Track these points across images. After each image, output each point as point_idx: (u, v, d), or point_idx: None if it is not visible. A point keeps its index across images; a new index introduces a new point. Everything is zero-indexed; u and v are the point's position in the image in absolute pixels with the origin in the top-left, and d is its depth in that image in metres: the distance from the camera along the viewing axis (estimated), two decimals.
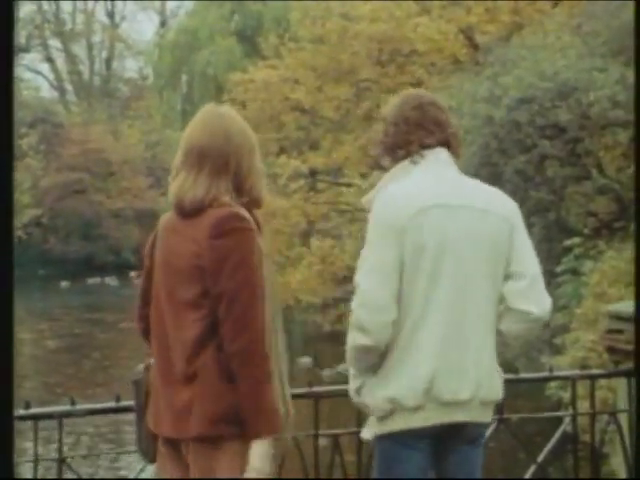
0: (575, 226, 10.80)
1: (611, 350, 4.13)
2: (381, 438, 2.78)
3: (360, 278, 2.75)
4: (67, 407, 3.17)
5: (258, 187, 2.67)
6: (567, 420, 3.80)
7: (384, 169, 2.95)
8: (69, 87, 48.30)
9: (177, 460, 2.59)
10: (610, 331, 4.12)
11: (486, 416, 2.84)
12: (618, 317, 4.10)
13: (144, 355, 2.85)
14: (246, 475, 2.50)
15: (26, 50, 47.65)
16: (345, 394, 2.95)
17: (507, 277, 2.82)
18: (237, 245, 2.52)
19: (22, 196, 36.59)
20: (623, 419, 3.81)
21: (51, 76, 48.18)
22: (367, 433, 2.84)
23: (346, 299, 9.83)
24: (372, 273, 2.72)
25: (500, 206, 2.88)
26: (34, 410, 3.11)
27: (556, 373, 4.11)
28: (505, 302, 2.82)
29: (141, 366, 2.76)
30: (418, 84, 15.91)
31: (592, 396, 3.78)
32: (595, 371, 4.16)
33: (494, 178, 10.86)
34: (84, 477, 2.90)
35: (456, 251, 2.75)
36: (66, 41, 46.90)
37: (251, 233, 2.55)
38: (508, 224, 2.84)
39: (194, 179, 2.62)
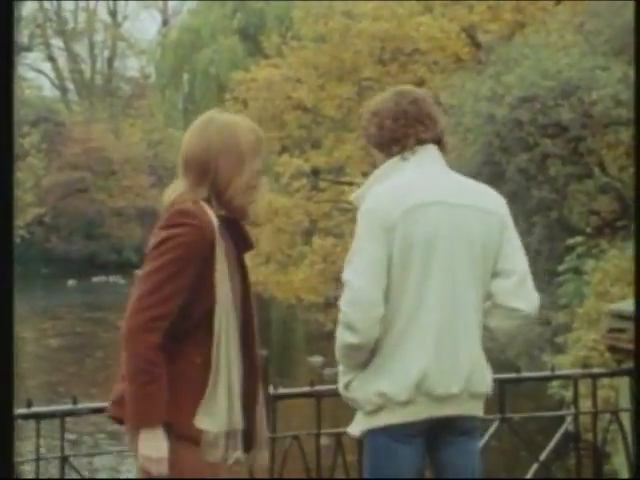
0: (577, 225, 10.79)
1: (613, 349, 4.13)
2: (371, 433, 2.78)
3: (351, 276, 2.73)
4: (69, 406, 3.17)
5: (239, 199, 2.62)
6: (569, 419, 3.80)
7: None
8: (71, 86, 48.31)
9: None
10: (612, 330, 4.12)
11: (477, 409, 2.85)
12: (620, 316, 4.10)
13: None
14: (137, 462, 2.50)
15: (28, 49, 47.66)
16: None
17: (496, 274, 2.84)
18: (168, 237, 2.51)
19: (24, 195, 36.64)
20: (625, 418, 3.81)
21: (53, 75, 48.20)
22: (355, 429, 2.84)
23: None
24: (364, 271, 2.72)
25: (491, 203, 2.89)
26: (36, 409, 3.11)
27: (558, 372, 4.11)
28: (493, 299, 2.83)
29: None
30: (420, 83, 15.90)
31: (594, 395, 3.78)
32: (597, 370, 4.16)
33: (496, 177, 10.86)
34: (86, 476, 2.90)
35: (447, 248, 2.77)
36: (68, 40, 46.90)
37: (191, 229, 2.51)
38: (499, 221, 2.87)
39: (178, 185, 2.65)
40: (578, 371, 3.95)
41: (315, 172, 17.53)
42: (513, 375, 3.72)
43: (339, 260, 15.85)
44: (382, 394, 2.74)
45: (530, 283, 2.86)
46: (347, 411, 2.93)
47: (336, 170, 17.70)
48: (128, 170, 38.42)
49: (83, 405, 3.23)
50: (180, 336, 2.52)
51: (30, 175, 36.26)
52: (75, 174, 36.06)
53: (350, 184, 16.16)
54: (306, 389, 3.40)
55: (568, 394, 6.82)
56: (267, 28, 24.61)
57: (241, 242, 2.68)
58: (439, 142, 2.92)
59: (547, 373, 4.00)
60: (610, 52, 10.86)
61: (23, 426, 2.82)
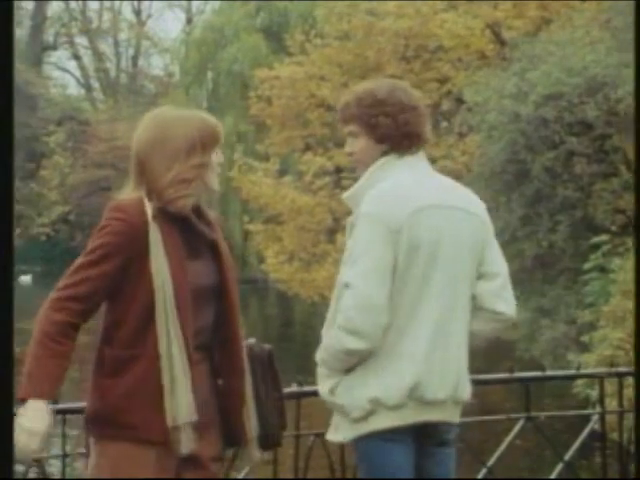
0: (602, 223, 10.72)
1: None
2: (362, 439, 2.72)
3: (355, 279, 2.65)
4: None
5: (169, 194, 2.59)
6: (595, 418, 3.77)
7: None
8: (96, 84, 48.60)
9: None
10: None
11: (456, 416, 2.83)
12: None
13: None
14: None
15: (54, 48, 47.99)
16: None
17: (479, 277, 2.81)
18: (97, 230, 2.58)
19: (50, 193, 36.90)
20: None
21: (78, 73, 48.51)
22: (337, 435, 2.77)
23: None
24: (370, 274, 2.65)
25: (476, 206, 2.87)
26: (62, 405, 3.11)
27: (583, 371, 4.08)
28: (477, 302, 2.80)
29: None
30: (444, 80, 15.87)
31: (620, 394, 3.75)
32: (623, 369, 4.12)
33: (521, 175, 10.81)
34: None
35: (446, 252, 2.74)
36: (93, 39, 47.18)
37: (117, 222, 2.55)
38: (483, 224, 2.85)
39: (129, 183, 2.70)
40: (604, 370, 3.92)
41: (338, 170, 17.51)
42: (538, 374, 3.70)
43: None
44: (374, 399, 2.68)
45: (510, 286, 2.86)
46: None
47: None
48: None
49: None
50: (132, 341, 2.55)
51: (55, 173, 36.49)
52: (100, 172, 36.28)
53: None
54: None
55: (594, 393, 6.79)
56: (291, 26, 24.61)
57: (199, 235, 2.65)
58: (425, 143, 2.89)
59: (572, 372, 3.97)
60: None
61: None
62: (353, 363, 2.70)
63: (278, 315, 25.96)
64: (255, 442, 2.67)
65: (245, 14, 29.93)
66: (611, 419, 3.83)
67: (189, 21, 44.85)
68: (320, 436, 3.30)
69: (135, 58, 47.80)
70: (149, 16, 48.22)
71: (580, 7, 13.90)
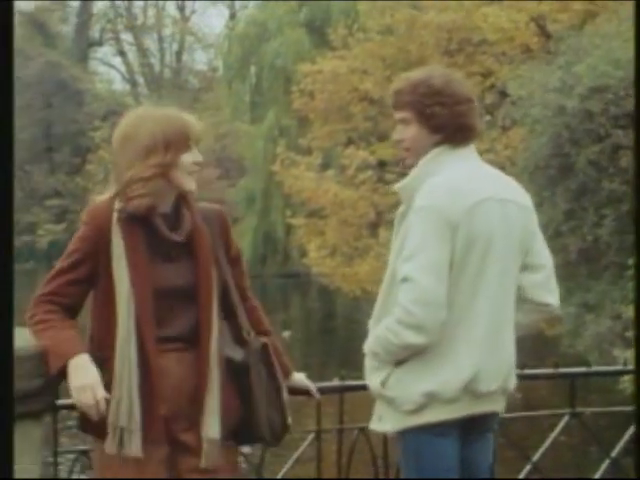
0: None
1: None
2: (410, 431, 2.72)
3: (416, 273, 2.63)
4: None
5: (129, 192, 2.61)
6: None
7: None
8: (140, 80, 49.02)
9: None
10: None
11: (503, 405, 2.86)
12: None
13: None
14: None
15: (99, 44, 48.50)
16: None
17: (524, 268, 2.81)
18: (75, 236, 2.66)
19: (95, 187, 37.27)
20: None
21: (123, 69, 48.96)
22: (383, 425, 2.77)
23: None
24: (429, 268, 2.63)
25: (525, 197, 2.88)
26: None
27: (630, 367, 4.03)
28: (522, 293, 2.81)
29: None
30: (488, 74, 15.75)
31: None
32: None
33: (565, 169, 10.71)
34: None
35: (499, 245, 2.74)
36: (138, 35, 47.58)
37: (84, 228, 2.64)
38: (531, 215, 2.86)
39: None
40: None
41: (381, 164, 17.48)
42: (583, 369, 3.66)
43: None
44: (429, 393, 2.68)
45: (554, 278, 2.86)
46: None
47: (402, 162, 17.61)
48: None
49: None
50: (104, 343, 2.60)
51: (100, 168, 36.85)
52: None
53: None
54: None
55: None
56: (333, 20, 24.57)
57: (163, 237, 2.64)
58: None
59: (618, 367, 3.93)
60: None
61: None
62: (404, 356, 2.70)
63: (320, 309, 25.99)
64: (214, 442, 2.62)
65: (288, 9, 29.96)
66: None
67: (232, 16, 45.00)
68: (364, 431, 3.30)
69: (179, 53, 48.12)
70: (193, 12, 48.50)
71: None
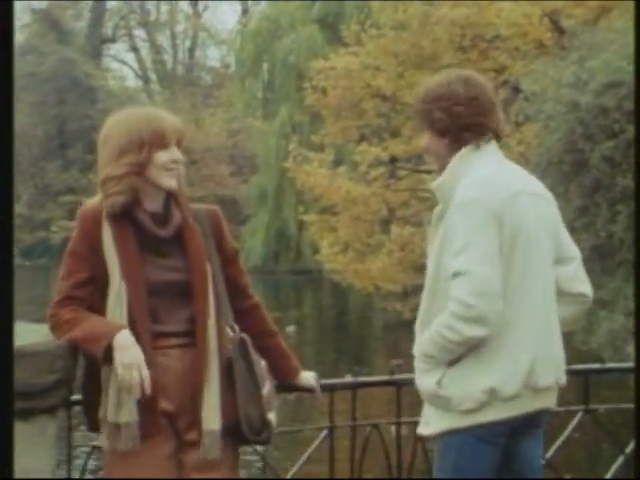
0: None
1: None
2: (457, 432, 2.69)
3: (470, 265, 2.61)
4: None
5: (102, 190, 2.68)
6: None
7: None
8: (153, 76, 49.11)
9: None
10: None
11: (555, 400, 2.86)
12: None
13: None
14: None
15: (112, 40, 48.61)
16: None
17: (556, 261, 2.83)
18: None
19: None
20: None
21: (136, 65, 49.05)
22: (433, 428, 2.74)
23: None
24: (483, 259, 2.62)
25: (548, 192, 2.93)
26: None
27: None
28: (557, 287, 2.82)
29: None
30: (501, 69, 15.71)
31: None
32: None
33: (579, 165, 10.67)
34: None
35: (539, 237, 2.76)
36: (150, 31, 47.67)
37: (77, 226, 2.69)
38: (556, 210, 2.91)
39: None
40: None
41: (393, 160, 17.47)
42: (597, 366, 3.66)
43: (417, 249, 15.77)
44: (490, 390, 2.66)
45: (583, 268, 2.90)
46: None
47: (414, 158, 17.61)
48: (208, 159, 38.88)
49: None
50: None
51: None
52: None
53: (429, 172, 16.06)
54: (385, 377, 3.38)
55: None
56: (346, 16, 24.57)
57: (150, 233, 2.67)
58: (496, 130, 2.87)
59: (632, 364, 3.91)
60: None
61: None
62: (459, 353, 2.68)
63: (332, 305, 25.99)
64: (214, 435, 2.63)
65: (301, 5, 29.96)
66: None
67: (245, 12, 45.03)
68: (376, 427, 3.31)
69: (192, 50, 48.17)
70: (206, 8, 48.55)
71: None
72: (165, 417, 2.61)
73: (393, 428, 3.46)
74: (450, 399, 2.68)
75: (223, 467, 2.67)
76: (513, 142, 13.89)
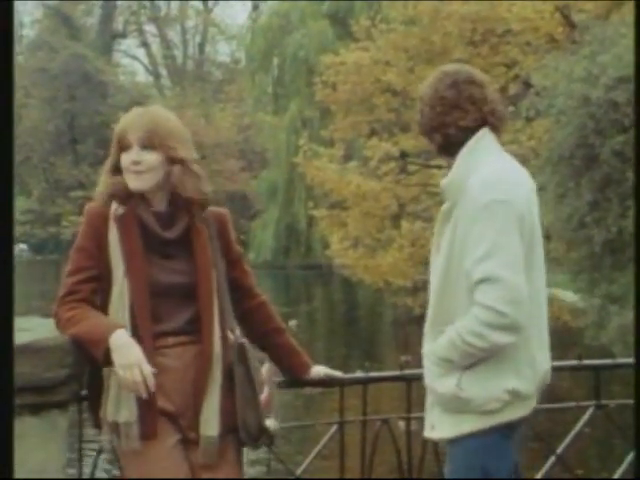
0: None
1: None
2: (480, 434, 2.67)
3: (501, 271, 2.56)
4: None
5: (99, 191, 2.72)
6: None
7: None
8: (164, 71, 49.17)
9: None
10: None
11: None
12: None
13: None
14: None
15: (123, 36, 48.70)
16: None
17: None
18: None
19: None
20: None
21: (146, 61, 49.13)
22: (448, 431, 2.70)
23: None
24: (513, 264, 2.58)
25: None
26: None
27: None
28: None
29: None
30: (512, 64, 15.65)
31: None
32: None
33: (590, 160, 10.63)
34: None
35: (540, 236, 2.77)
36: (161, 26, 47.73)
37: (83, 225, 2.69)
38: None
39: None
40: None
41: (404, 155, 17.43)
42: (608, 361, 3.65)
43: (428, 244, 15.71)
44: (513, 391, 2.66)
45: None
46: None
47: (425, 153, 17.56)
48: (218, 154, 38.94)
49: None
50: None
51: None
52: None
53: (439, 167, 16.02)
54: (396, 373, 3.38)
55: None
56: (356, 11, 24.54)
57: (156, 235, 2.66)
58: (488, 123, 2.76)
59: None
60: None
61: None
62: (486, 357, 2.65)
63: (343, 301, 26.01)
64: (211, 441, 2.62)
65: (311, 0, 29.95)
66: None
67: (255, 7, 45.03)
68: (387, 422, 3.31)
69: (202, 45, 48.22)
70: (216, 3, 48.57)
71: None
72: (166, 416, 2.60)
73: (402, 423, 3.46)
74: (471, 400, 2.66)
75: (227, 464, 2.67)
76: (524, 137, 13.86)
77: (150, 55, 48.70)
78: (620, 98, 10.23)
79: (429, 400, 2.76)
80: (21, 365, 2.40)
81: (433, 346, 2.70)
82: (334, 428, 3.27)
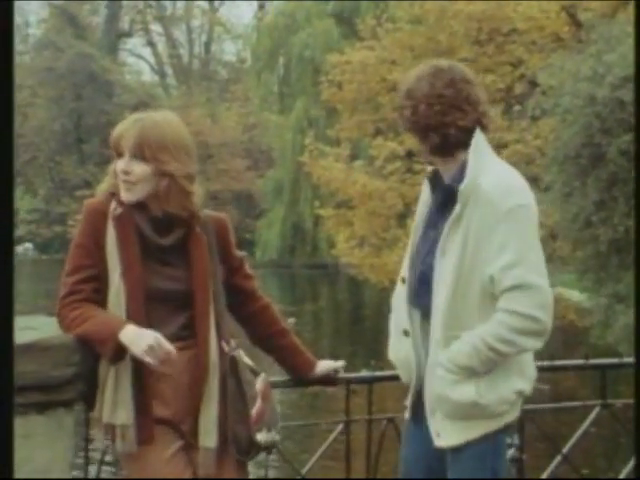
0: None
1: None
2: (489, 436, 2.67)
3: (533, 278, 2.56)
4: None
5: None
6: None
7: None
8: (169, 71, 49.21)
9: None
10: None
11: None
12: None
13: None
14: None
15: (129, 35, 48.73)
16: None
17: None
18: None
19: None
20: None
21: (152, 60, 49.16)
22: (457, 438, 2.66)
23: None
24: (542, 270, 2.60)
25: None
26: None
27: None
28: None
29: None
30: (518, 63, 15.63)
31: None
32: None
33: (596, 159, 10.62)
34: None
35: None
36: (167, 25, 47.75)
37: (82, 221, 2.65)
38: None
39: None
40: None
41: (409, 155, 17.41)
42: (615, 360, 3.64)
43: None
44: (519, 391, 2.68)
45: None
46: None
47: None
48: (224, 154, 38.98)
49: None
50: None
51: None
52: None
53: None
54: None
55: None
56: (362, 11, 24.53)
57: (151, 241, 2.63)
58: (481, 125, 2.71)
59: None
60: None
61: None
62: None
63: (348, 300, 26.01)
64: (209, 452, 2.61)
65: None
66: None
67: (261, 7, 45.04)
68: (392, 421, 3.30)
69: (208, 44, 48.24)
70: (222, 3, 48.59)
71: None
72: (165, 424, 2.58)
73: None
74: (488, 406, 2.64)
75: (228, 474, 2.65)
76: (530, 136, 13.83)
77: (156, 54, 48.74)
78: (626, 97, 10.21)
79: (429, 407, 2.70)
80: (27, 364, 2.40)
81: (451, 354, 2.63)
82: (340, 427, 3.27)
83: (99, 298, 2.59)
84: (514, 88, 15.15)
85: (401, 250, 16.80)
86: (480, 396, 2.63)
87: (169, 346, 2.48)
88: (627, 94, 10.23)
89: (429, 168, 2.87)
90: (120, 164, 2.61)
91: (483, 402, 2.63)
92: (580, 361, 3.50)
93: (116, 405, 2.53)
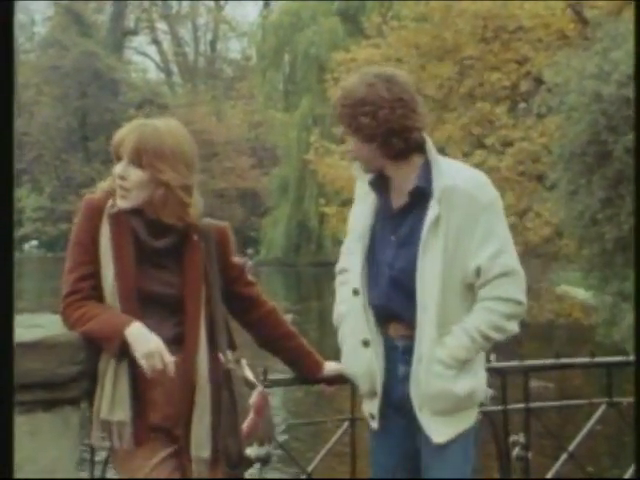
0: None
1: None
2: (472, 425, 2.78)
3: (516, 264, 2.68)
4: None
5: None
6: None
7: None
8: (175, 69, 49.26)
9: None
10: None
11: None
12: None
13: None
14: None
15: (134, 33, 48.78)
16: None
17: None
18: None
19: None
20: None
21: (158, 58, 49.21)
22: (453, 430, 2.70)
23: None
24: (517, 257, 2.71)
25: None
26: None
27: None
28: None
29: None
30: (523, 61, 15.61)
31: None
32: None
33: (602, 156, 10.60)
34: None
35: None
36: (172, 23, 47.80)
37: (81, 213, 2.64)
38: None
39: None
40: None
41: None
42: (621, 359, 3.64)
43: None
44: (486, 375, 2.81)
45: None
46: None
47: (437, 150, 17.55)
48: (229, 152, 39.00)
49: None
50: None
51: None
52: None
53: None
54: None
55: None
56: (367, 8, 24.52)
57: (146, 243, 2.61)
58: (425, 128, 2.78)
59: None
60: None
61: None
62: None
63: None
64: (202, 462, 2.59)
65: None
66: None
67: (266, 5, 45.05)
68: None
69: (213, 42, 48.28)
70: (227, 1, 48.60)
71: None
72: (157, 430, 2.57)
73: None
74: (477, 394, 2.73)
75: (223, 475, 2.63)
76: (535, 134, 13.82)
77: (161, 52, 48.79)
78: (632, 94, 10.20)
79: (417, 406, 2.69)
80: (33, 361, 2.40)
81: (449, 350, 2.64)
82: (345, 425, 3.27)
83: (98, 295, 2.58)
84: (520, 86, 15.14)
85: None
86: (475, 385, 2.70)
87: (169, 357, 2.48)
88: (633, 92, 10.22)
89: (367, 175, 2.81)
90: (117, 168, 2.60)
91: (477, 391, 2.71)
92: (586, 359, 3.50)
93: (114, 401, 2.52)
